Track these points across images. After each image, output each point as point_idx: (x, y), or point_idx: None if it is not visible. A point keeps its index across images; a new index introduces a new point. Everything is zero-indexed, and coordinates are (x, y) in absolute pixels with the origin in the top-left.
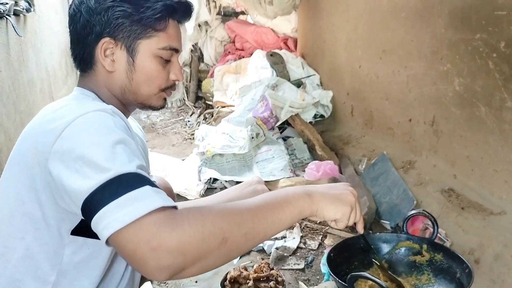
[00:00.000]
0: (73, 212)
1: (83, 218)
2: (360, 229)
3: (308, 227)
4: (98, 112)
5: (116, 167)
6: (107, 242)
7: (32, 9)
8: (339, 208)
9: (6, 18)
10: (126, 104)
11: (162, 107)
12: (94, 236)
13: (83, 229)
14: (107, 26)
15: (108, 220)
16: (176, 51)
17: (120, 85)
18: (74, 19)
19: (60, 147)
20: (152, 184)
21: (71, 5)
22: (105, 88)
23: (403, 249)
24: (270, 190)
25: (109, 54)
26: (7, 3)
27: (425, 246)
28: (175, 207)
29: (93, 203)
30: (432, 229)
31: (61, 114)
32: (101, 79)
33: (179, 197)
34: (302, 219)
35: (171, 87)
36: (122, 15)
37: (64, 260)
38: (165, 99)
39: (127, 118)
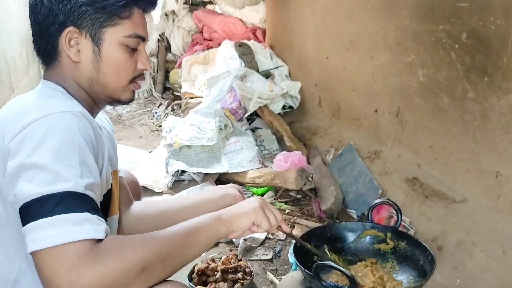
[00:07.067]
0: None
1: None
2: (286, 229)
3: None
4: (64, 114)
5: (63, 184)
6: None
7: None
8: (249, 213)
9: None
10: (95, 98)
11: (131, 100)
12: None
13: None
14: (70, 14)
15: (36, 235)
16: (143, 39)
17: (88, 76)
18: (35, 9)
19: (18, 146)
20: (94, 210)
21: None
22: (72, 81)
23: (368, 238)
24: (240, 192)
25: (74, 44)
26: None
27: (389, 234)
28: (103, 237)
29: (29, 211)
30: (396, 218)
31: (26, 109)
32: (67, 71)
33: (146, 190)
34: None
35: (139, 76)
36: (86, 3)
37: (25, 259)
38: (134, 92)
39: (97, 113)
